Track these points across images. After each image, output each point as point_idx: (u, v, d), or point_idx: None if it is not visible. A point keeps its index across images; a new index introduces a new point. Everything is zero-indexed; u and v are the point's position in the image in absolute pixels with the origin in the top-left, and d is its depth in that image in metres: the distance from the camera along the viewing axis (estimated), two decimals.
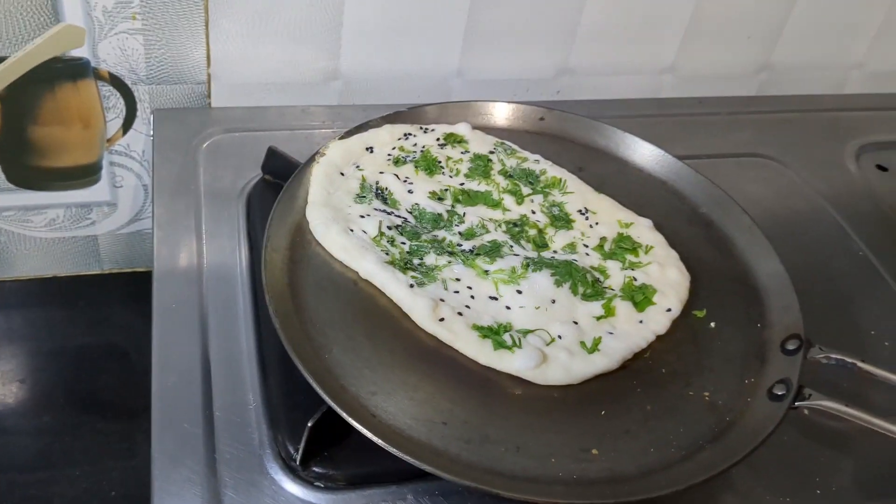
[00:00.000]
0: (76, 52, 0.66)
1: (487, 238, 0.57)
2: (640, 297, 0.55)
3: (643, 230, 0.60)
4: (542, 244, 0.58)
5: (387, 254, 0.54)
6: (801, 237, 0.70)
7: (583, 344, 0.51)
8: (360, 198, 0.58)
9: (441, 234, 0.57)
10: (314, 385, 0.45)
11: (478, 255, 0.55)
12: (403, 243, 0.55)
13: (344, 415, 0.44)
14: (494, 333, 0.50)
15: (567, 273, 0.55)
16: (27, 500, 0.66)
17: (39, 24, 0.63)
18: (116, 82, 0.68)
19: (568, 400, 0.49)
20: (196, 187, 0.63)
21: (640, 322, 0.54)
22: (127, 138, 0.72)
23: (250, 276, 0.57)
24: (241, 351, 0.53)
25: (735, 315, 0.56)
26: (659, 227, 0.61)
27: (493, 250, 0.56)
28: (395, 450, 0.43)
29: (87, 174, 0.73)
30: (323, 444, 0.47)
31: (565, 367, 0.50)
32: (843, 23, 0.85)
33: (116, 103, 0.70)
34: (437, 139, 0.64)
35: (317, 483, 0.47)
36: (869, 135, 0.83)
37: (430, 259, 0.54)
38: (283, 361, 0.51)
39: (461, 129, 0.65)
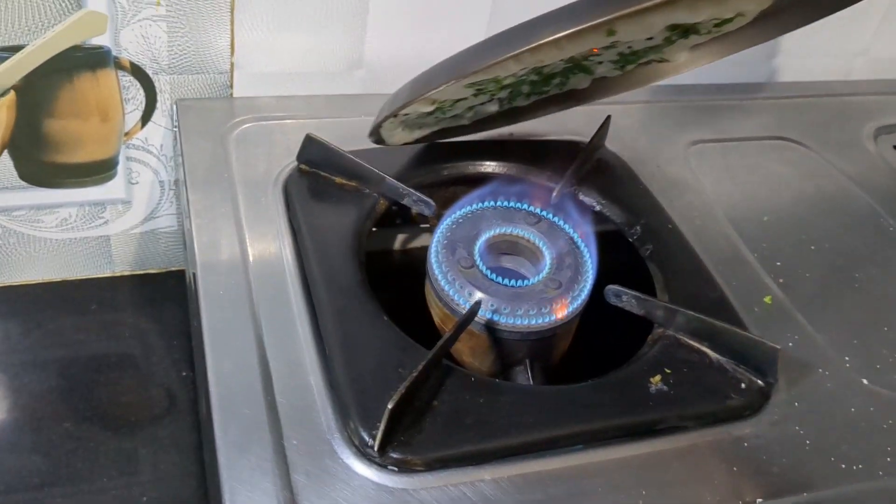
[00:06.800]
0: (97, 41, 0.63)
1: None
2: None
3: None
4: None
5: None
6: (834, 217, 0.70)
7: None
8: None
9: None
10: None
11: None
12: None
13: None
14: None
15: None
16: None
17: (61, 10, 0.61)
18: (138, 72, 0.66)
19: None
20: (230, 175, 0.61)
21: None
22: (145, 131, 0.69)
23: (297, 264, 0.55)
24: (298, 336, 0.51)
25: None
26: None
27: None
28: None
29: (103, 170, 0.70)
30: (398, 428, 0.45)
31: None
32: (849, 10, 0.86)
33: (136, 95, 0.67)
34: None
35: (391, 467, 0.45)
36: (881, 118, 0.84)
37: None
38: (345, 346, 0.49)
39: None
